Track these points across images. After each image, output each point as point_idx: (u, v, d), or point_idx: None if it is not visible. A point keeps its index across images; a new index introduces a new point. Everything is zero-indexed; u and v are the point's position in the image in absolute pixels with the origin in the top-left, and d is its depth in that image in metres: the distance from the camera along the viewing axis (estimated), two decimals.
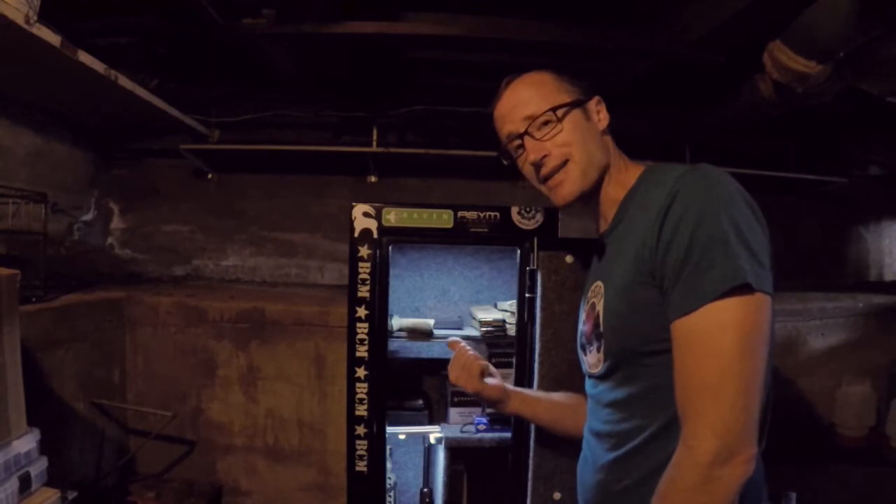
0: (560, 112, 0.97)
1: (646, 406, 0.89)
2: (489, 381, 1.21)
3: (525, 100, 1.00)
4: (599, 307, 0.96)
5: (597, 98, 1.03)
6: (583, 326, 1.04)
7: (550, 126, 0.98)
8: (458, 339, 1.28)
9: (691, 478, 0.76)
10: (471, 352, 1.23)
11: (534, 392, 1.35)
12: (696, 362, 0.78)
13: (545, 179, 1.00)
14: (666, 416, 0.85)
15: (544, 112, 0.97)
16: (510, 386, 1.26)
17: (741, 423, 0.75)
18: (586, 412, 1.11)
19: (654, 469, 0.84)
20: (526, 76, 1.03)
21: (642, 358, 0.89)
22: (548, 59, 1.99)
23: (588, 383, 1.05)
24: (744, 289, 0.76)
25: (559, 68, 1.05)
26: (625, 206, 0.98)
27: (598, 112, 1.02)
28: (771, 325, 0.80)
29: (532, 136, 0.99)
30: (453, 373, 1.20)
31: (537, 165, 0.99)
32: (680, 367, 0.81)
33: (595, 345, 0.97)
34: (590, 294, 1.02)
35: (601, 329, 0.95)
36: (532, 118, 0.98)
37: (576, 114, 0.99)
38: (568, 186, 0.99)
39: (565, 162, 0.98)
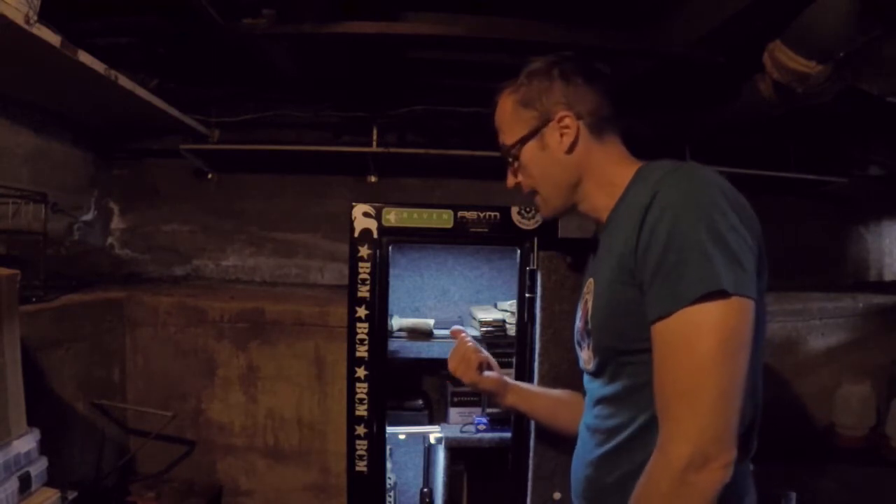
0: (514, 151, 1.03)
1: (632, 403, 0.90)
2: (487, 374, 1.22)
3: (498, 129, 1.08)
4: (590, 305, 0.97)
5: (560, 115, 0.98)
6: (578, 323, 1.06)
7: (512, 162, 1.06)
8: (461, 328, 1.30)
9: (665, 483, 0.76)
10: (471, 343, 1.24)
11: (532, 387, 1.36)
12: (673, 366, 0.78)
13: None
14: (650, 412, 0.86)
15: (504, 151, 1.05)
16: (509, 380, 1.26)
17: (717, 427, 0.75)
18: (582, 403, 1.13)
19: (640, 465, 0.84)
20: (499, 100, 1.07)
21: (626, 356, 0.89)
22: None
23: (584, 379, 1.06)
24: (720, 294, 0.75)
25: (529, 81, 1.02)
26: (618, 205, 0.98)
27: (562, 132, 0.99)
28: (754, 329, 0.79)
29: (509, 164, 1.07)
30: (452, 363, 1.22)
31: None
32: (658, 369, 0.81)
33: (586, 342, 0.99)
34: (584, 291, 1.03)
35: (590, 326, 0.96)
36: (502, 150, 1.07)
37: (530, 146, 1.02)
38: (543, 210, 1.08)
39: (534, 190, 1.06)
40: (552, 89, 1.00)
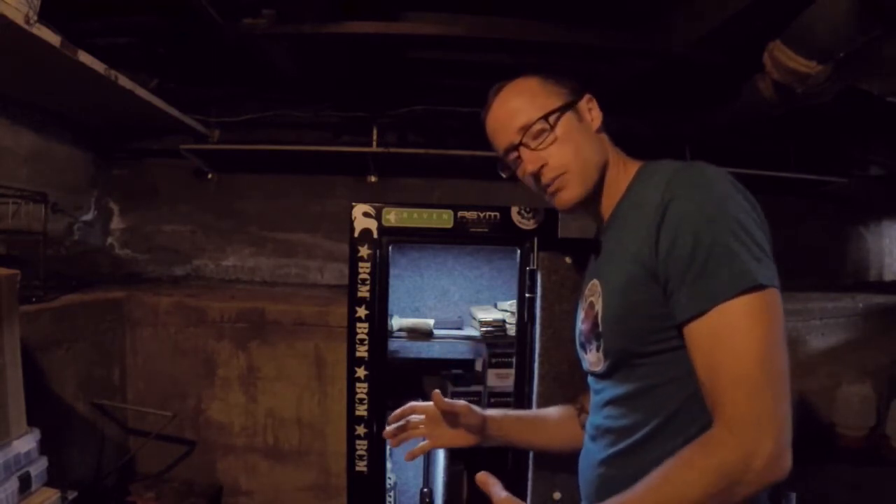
0: (552, 119, 0.95)
1: (646, 403, 0.89)
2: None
3: (515, 109, 0.98)
4: (598, 306, 0.96)
5: (587, 96, 1.00)
6: (581, 325, 1.04)
7: (545, 135, 0.96)
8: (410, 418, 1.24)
9: (731, 466, 0.73)
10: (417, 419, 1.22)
11: (520, 417, 1.28)
12: (724, 356, 0.76)
13: (546, 187, 0.99)
14: (666, 412, 0.85)
15: (536, 121, 0.96)
16: (491, 416, 1.21)
17: (789, 416, 0.74)
18: (576, 422, 1.14)
19: (657, 463, 0.84)
20: (513, 84, 1.01)
21: (641, 357, 0.88)
22: (548, 59, 2.00)
23: (590, 380, 1.05)
24: (756, 287, 0.76)
25: (548, 69, 1.03)
26: (621, 204, 0.98)
27: (591, 111, 1.00)
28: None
29: (527, 147, 0.97)
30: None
31: (536, 175, 0.98)
32: (705, 364, 0.78)
33: (595, 344, 0.97)
34: (587, 292, 1.02)
35: (600, 329, 0.94)
36: (525, 128, 0.97)
37: (568, 117, 0.97)
38: (569, 192, 0.97)
39: (564, 171, 0.96)
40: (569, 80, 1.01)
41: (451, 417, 1.20)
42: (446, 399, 1.17)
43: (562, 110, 0.96)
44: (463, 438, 1.20)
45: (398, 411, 1.23)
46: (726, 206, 0.80)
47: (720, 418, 0.76)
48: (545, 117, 0.95)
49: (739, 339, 0.75)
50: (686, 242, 0.80)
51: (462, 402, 1.19)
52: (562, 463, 1.43)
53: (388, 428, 1.22)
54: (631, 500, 0.78)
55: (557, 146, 0.96)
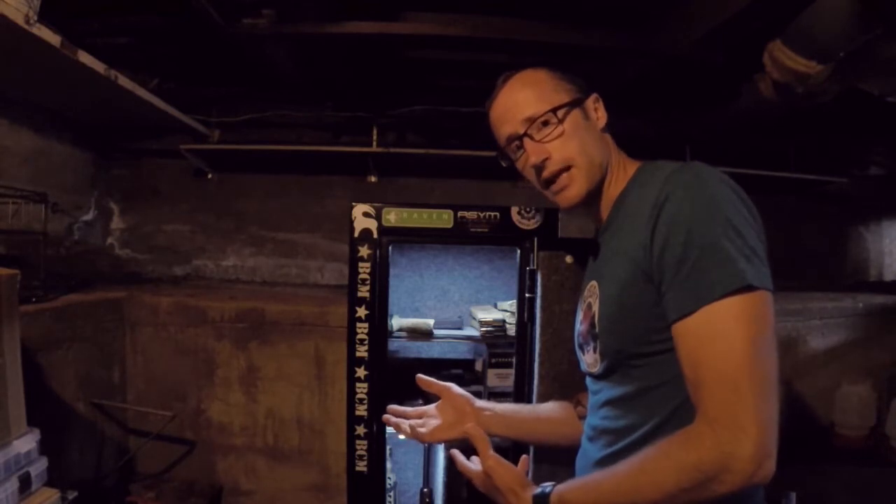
0: (560, 113, 0.95)
1: (642, 404, 0.89)
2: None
3: (523, 100, 0.98)
4: (595, 307, 0.96)
5: (594, 96, 1.01)
6: (579, 326, 1.04)
7: (551, 127, 0.96)
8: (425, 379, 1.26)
9: (710, 466, 0.72)
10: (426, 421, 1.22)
11: (518, 412, 1.26)
12: (709, 356, 0.76)
13: (548, 183, 0.99)
14: (662, 414, 0.85)
15: (544, 113, 0.95)
16: (488, 409, 1.21)
17: (774, 420, 0.73)
18: (573, 415, 1.15)
19: None
20: (522, 74, 1.01)
21: (637, 358, 0.88)
22: (547, 59, 1.98)
23: (588, 381, 1.05)
24: (746, 288, 0.76)
25: (555, 66, 1.03)
26: (618, 205, 0.97)
27: (597, 110, 1.01)
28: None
29: (532, 138, 0.97)
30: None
31: (538, 168, 0.98)
32: (692, 362, 0.78)
33: (592, 345, 0.97)
34: (586, 293, 1.02)
35: (596, 329, 0.94)
36: (531, 119, 0.96)
37: (575, 113, 0.97)
38: (574, 189, 0.97)
39: (568, 166, 0.96)
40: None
41: (446, 413, 1.22)
42: (428, 378, 1.24)
43: (570, 106, 0.97)
44: (458, 428, 1.19)
45: (399, 409, 1.26)
46: (719, 208, 0.79)
47: (703, 416, 0.76)
48: (554, 110, 0.95)
49: (725, 340, 0.75)
50: (678, 243, 0.80)
51: (445, 383, 1.24)
52: (561, 463, 1.44)
53: (391, 419, 1.24)
54: (607, 481, 0.80)
55: (562, 140, 0.95)
